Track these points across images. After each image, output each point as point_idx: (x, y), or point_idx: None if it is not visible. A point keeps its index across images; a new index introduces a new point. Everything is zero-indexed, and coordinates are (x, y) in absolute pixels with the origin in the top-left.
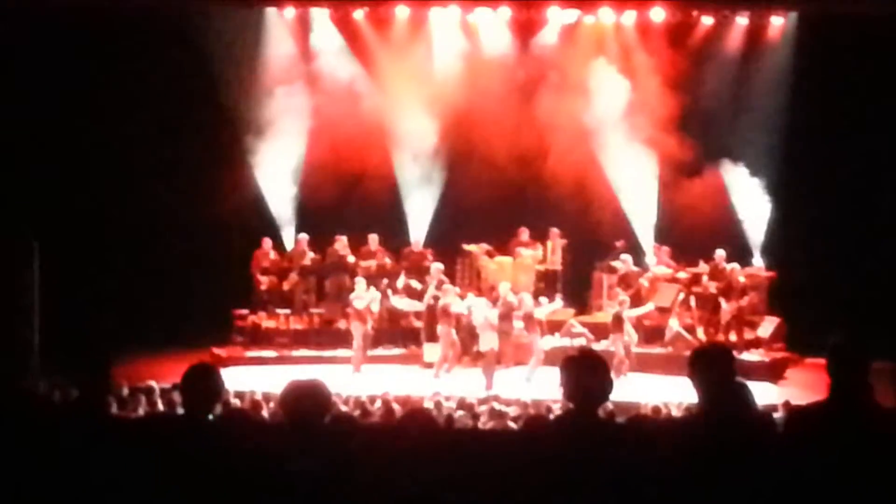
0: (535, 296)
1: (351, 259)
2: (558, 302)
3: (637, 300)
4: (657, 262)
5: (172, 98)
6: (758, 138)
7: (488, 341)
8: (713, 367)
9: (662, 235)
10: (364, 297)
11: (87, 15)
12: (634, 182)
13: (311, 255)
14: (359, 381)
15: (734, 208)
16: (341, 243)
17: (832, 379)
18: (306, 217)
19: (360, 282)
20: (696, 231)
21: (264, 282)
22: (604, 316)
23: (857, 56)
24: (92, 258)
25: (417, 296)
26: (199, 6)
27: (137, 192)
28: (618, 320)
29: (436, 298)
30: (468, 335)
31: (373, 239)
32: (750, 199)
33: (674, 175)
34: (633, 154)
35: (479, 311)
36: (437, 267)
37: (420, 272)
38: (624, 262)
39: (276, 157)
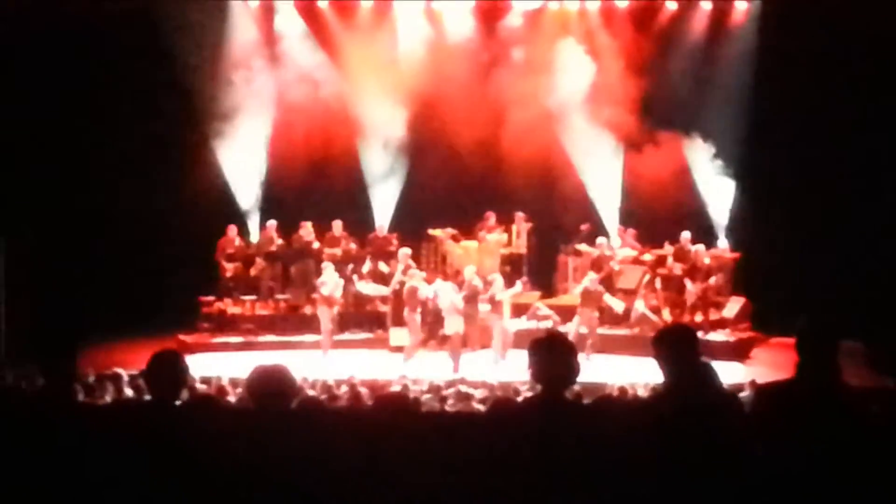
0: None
1: (316, 245)
2: (518, 286)
3: (607, 283)
4: (622, 244)
5: (137, 85)
6: (722, 120)
7: (454, 325)
8: (677, 348)
9: (627, 218)
10: (330, 282)
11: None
12: (599, 165)
13: (278, 241)
14: (325, 365)
15: (699, 190)
16: (306, 229)
17: (800, 358)
18: (271, 204)
19: (328, 267)
20: (660, 213)
21: (230, 268)
22: (569, 298)
23: (820, 36)
24: (56, 247)
25: (383, 280)
26: None
27: (102, 180)
28: (588, 295)
29: (402, 283)
30: (434, 319)
31: (336, 225)
32: (714, 181)
33: (638, 157)
34: (596, 137)
35: (445, 295)
36: (404, 252)
37: (386, 257)
38: (598, 247)
39: (241, 144)
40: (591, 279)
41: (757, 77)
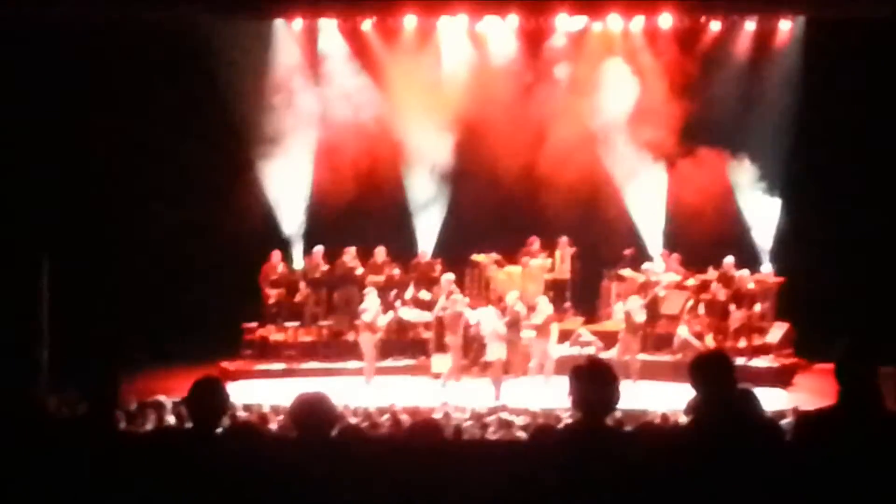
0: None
1: (359, 271)
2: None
3: (652, 308)
4: (666, 268)
5: (182, 111)
6: (767, 142)
7: (496, 351)
8: (711, 375)
9: (671, 242)
10: (372, 308)
11: (99, 29)
12: (642, 187)
13: (323, 267)
14: (367, 392)
15: (743, 213)
16: (350, 255)
17: (840, 384)
18: (315, 229)
19: (371, 293)
20: (704, 237)
21: (273, 295)
22: (612, 324)
23: (865, 59)
24: (101, 272)
25: (426, 307)
26: (209, 18)
27: (147, 206)
28: (630, 321)
29: (444, 309)
30: (477, 345)
31: (380, 251)
32: (759, 204)
33: (681, 180)
34: (640, 159)
35: (488, 321)
36: (447, 278)
37: (429, 283)
38: (643, 272)
39: (286, 169)
40: (634, 304)
41: (802, 97)
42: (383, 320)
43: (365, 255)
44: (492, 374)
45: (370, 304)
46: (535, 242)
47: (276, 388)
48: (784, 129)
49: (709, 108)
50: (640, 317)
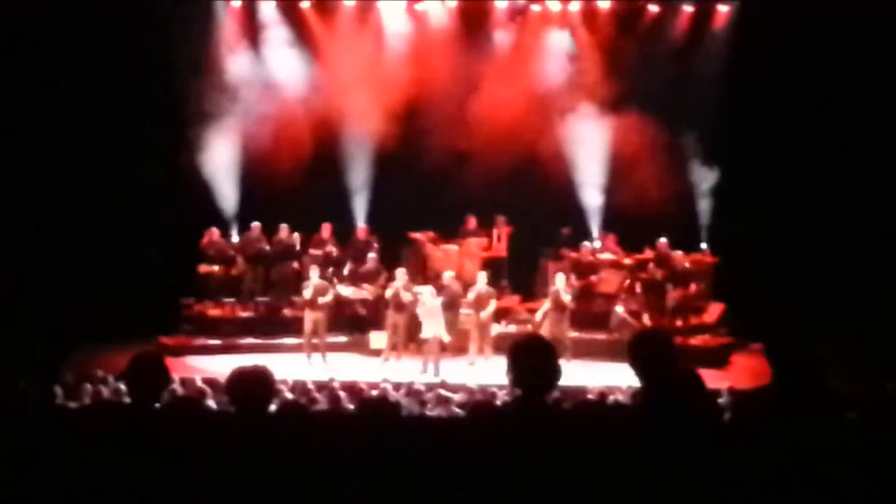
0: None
1: (297, 247)
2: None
3: (588, 288)
4: (602, 248)
5: (118, 87)
6: (704, 123)
7: (432, 329)
8: (651, 353)
9: (608, 222)
10: (313, 285)
11: None
12: (581, 167)
13: (261, 243)
14: (307, 368)
15: (679, 194)
16: (285, 231)
17: (771, 364)
18: (252, 205)
19: (314, 270)
20: (641, 218)
21: (211, 270)
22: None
23: (802, 39)
24: (37, 249)
25: (363, 283)
26: None
27: (83, 183)
28: (557, 299)
29: (383, 287)
30: (413, 323)
31: (325, 227)
32: (695, 185)
33: (619, 162)
34: (580, 138)
35: (425, 298)
36: (372, 256)
37: (365, 259)
38: (579, 251)
39: (222, 145)
40: (561, 283)
41: (734, 80)
42: (326, 297)
43: (304, 233)
44: (429, 352)
45: (311, 280)
46: (471, 221)
47: (215, 364)
48: (720, 108)
49: (647, 86)
50: (566, 296)
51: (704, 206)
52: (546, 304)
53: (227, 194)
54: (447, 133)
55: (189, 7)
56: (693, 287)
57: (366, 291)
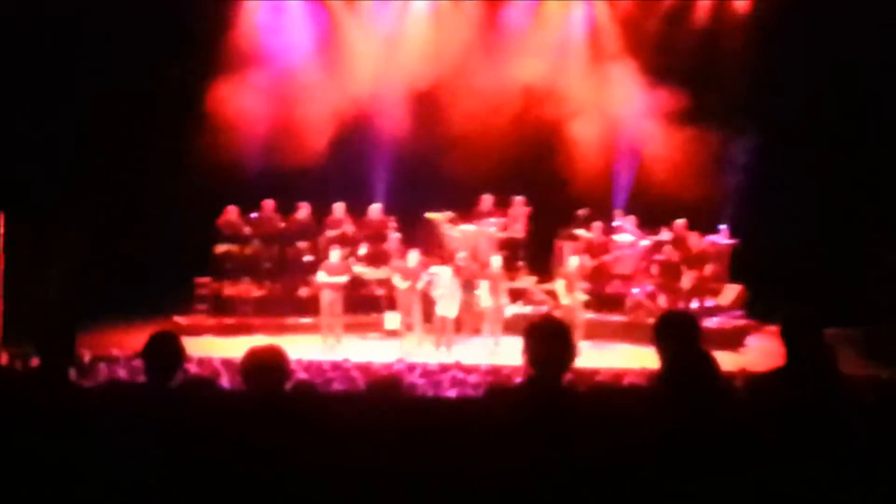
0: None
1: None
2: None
3: (604, 269)
4: (620, 229)
5: (136, 71)
6: (725, 107)
7: (448, 309)
8: (678, 334)
9: (628, 203)
10: (333, 265)
11: None
12: (600, 148)
13: (277, 222)
14: (321, 348)
15: (698, 176)
16: (304, 211)
17: (785, 346)
18: (270, 184)
19: (334, 250)
20: (660, 199)
21: (227, 248)
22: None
23: (821, 26)
24: (55, 228)
25: (379, 263)
26: None
27: (100, 162)
28: (570, 280)
29: (398, 266)
30: (429, 303)
31: (338, 207)
32: (713, 167)
33: (640, 141)
34: (599, 119)
35: (441, 278)
36: (395, 236)
37: (381, 240)
38: (594, 231)
39: (240, 124)
40: (573, 264)
41: (757, 65)
42: (343, 277)
43: (320, 212)
44: (444, 332)
45: (331, 260)
46: (486, 201)
47: (230, 344)
48: (742, 95)
49: (669, 70)
50: (578, 280)
51: (725, 186)
52: (560, 284)
53: (245, 172)
54: (466, 113)
55: None
56: (708, 269)
57: (384, 271)
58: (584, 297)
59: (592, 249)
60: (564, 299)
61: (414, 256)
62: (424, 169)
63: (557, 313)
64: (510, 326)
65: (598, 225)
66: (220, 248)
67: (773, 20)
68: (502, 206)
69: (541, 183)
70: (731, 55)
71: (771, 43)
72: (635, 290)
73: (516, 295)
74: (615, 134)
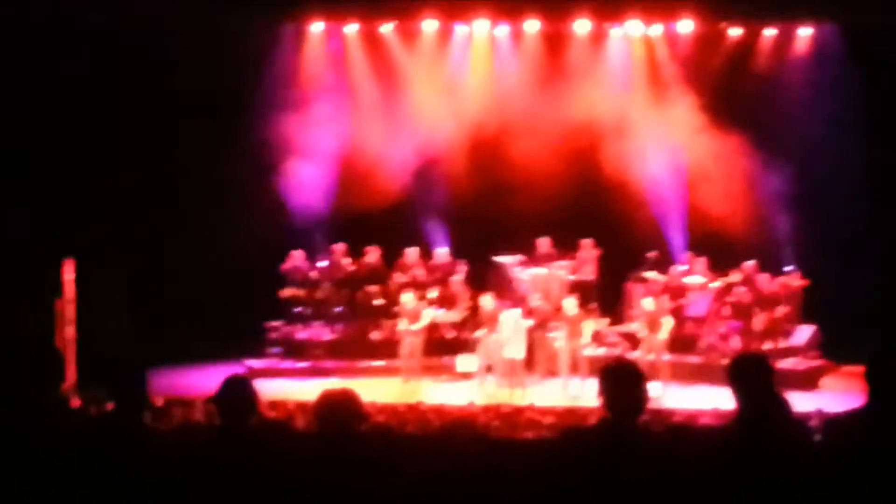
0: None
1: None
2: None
3: (677, 311)
4: (691, 271)
5: (206, 113)
6: (793, 145)
7: (518, 351)
8: (753, 376)
9: (696, 244)
10: (410, 309)
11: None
12: (667, 191)
13: (347, 265)
14: (394, 390)
15: (767, 216)
16: (374, 254)
17: (870, 387)
18: (339, 229)
19: (408, 294)
20: (729, 240)
21: (295, 293)
22: (636, 326)
23: (884, 64)
24: (127, 271)
25: (451, 307)
26: (233, 22)
27: (173, 205)
28: (651, 321)
29: (471, 309)
30: (500, 346)
31: (411, 252)
32: (783, 207)
33: (706, 182)
34: (668, 163)
35: (511, 321)
36: (457, 279)
37: (452, 283)
38: (669, 274)
39: (309, 169)
40: (649, 306)
41: (828, 103)
42: (422, 322)
43: (389, 255)
44: (516, 374)
45: (407, 304)
46: (543, 244)
47: (302, 387)
48: (810, 132)
49: (733, 110)
50: (666, 320)
51: (790, 228)
52: (638, 327)
53: (314, 218)
54: (534, 157)
55: (272, 33)
56: (780, 309)
57: (453, 314)
58: (666, 335)
59: (666, 291)
60: (648, 338)
61: (488, 300)
62: (489, 211)
63: (637, 355)
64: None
65: (673, 268)
66: (286, 293)
67: (832, 64)
68: (570, 248)
69: (607, 224)
70: (791, 95)
71: (831, 84)
72: (707, 332)
73: (591, 337)
74: (678, 173)
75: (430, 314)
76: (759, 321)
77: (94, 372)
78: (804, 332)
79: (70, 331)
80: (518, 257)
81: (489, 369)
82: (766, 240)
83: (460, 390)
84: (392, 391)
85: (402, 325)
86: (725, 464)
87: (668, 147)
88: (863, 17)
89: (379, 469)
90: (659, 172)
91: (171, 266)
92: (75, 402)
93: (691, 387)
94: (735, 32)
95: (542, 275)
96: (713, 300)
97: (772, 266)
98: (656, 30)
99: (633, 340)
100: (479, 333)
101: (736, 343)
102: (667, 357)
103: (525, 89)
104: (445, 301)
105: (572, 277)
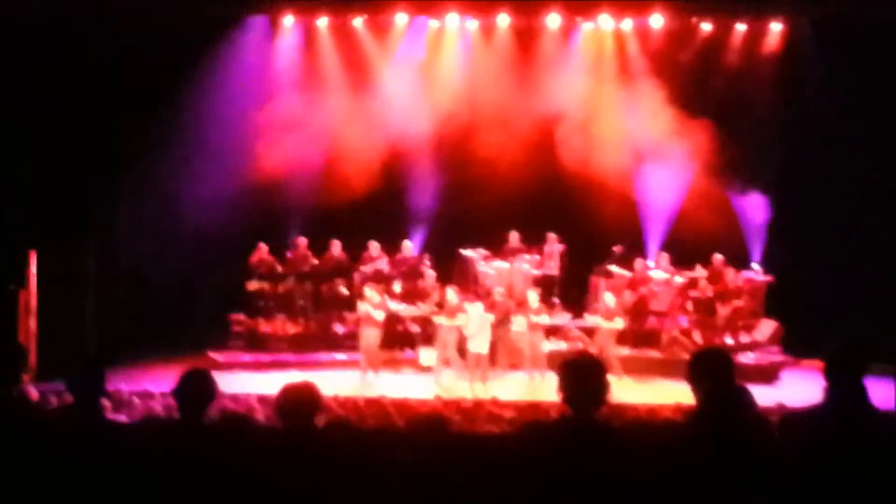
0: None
1: (345, 264)
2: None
3: (641, 305)
4: (655, 266)
5: (174, 105)
6: (758, 143)
7: (482, 345)
8: (713, 371)
9: (664, 239)
10: (371, 302)
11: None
12: (634, 186)
13: (310, 259)
14: (355, 384)
15: (732, 212)
16: (337, 247)
17: (829, 383)
18: (303, 221)
19: (369, 287)
20: (695, 236)
21: (261, 286)
22: (593, 320)
23: (855, 60)
24: (87, 265)
25: (413, 300)
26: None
27: (136, 198)
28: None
29: (436, 303)
30: (464, 339)
31: (373, 245)
32: (748, 203)
33: (673, 179)
34: (632, 156)
35: (475, 315)
36: (431, 274)
37: (416, 277)
38: (633, 268)
39: (273, 161)
40: (609, 301)
41: (792, 99)
42: (381, 314)
43: (353, 248)
44: (478, 368)
45: (369, 297)
46: (514, 237)
47: (265, 380)
48: (774, 129)
49: (701, 107)
50: (616, 315)
51: (758, 224)
52: (595, 320)
53: (279, 210)
54: (499, 151)
55: (241, 26)
56: (743, 304)
57: (419, 308)
58: (619, 325)
59: (630, 285)
60: (601, 332)
61: (452, 293)
62: (455, 206)
63: (592, 350)
64: (547, 363)
65: (638, 261)
66: (253, 286)
67: (803, 59)
68: (535, 242)
69: (572, 219)
70: (760, 90)
71: (799, 80)
72: (670, 326)
73: (551, 332)
74: (644, 166)
75: (392, 307)
76: (721, 315)
77: (54, 364)
78: (766, 327)
79: (32, 322)
80: (482, 251)
81: (446, 362)
82: (733, 235)
83: (421, 384)
84: (355, 384)
85: (362, 310)
86: (686, 458)
87: (636, 141)
88: (833, 11)
89: (337, 463)
90: (628, 167)
91: (134, 258)
92: (34, 395)
93: (653, 381)
94: (706, 27)
95: (506, 269)
96: (676, 295)
97: (738, 261)
98: (627, 24)
99: (592, 334)
100: (438, 319)
101: (698, 338)
102: (616, 352)
103: (495, 84)
104: (411, 295)
105: (536, 272)
